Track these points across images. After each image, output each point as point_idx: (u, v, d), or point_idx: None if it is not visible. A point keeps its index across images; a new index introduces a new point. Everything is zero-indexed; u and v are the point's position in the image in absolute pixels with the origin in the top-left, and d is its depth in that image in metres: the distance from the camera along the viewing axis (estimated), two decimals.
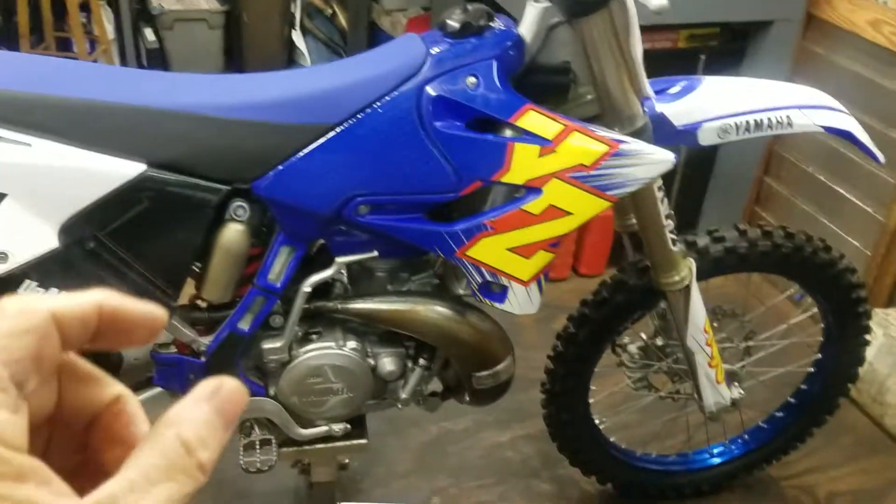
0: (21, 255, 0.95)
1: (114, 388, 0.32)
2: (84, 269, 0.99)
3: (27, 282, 0.96)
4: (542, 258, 1.09)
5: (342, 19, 3.37)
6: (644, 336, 1.56)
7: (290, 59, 3.47)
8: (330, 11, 3.40)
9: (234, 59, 3.42)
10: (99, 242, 0.99)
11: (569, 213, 1.05)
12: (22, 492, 0.24)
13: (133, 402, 0.32)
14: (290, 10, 3.34)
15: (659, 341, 1.54)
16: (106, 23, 3.03)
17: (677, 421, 1.71)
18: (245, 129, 1.01)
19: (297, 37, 3.40)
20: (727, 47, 2.27)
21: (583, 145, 1.02)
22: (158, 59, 3.18)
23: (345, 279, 1.23)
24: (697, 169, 2.42)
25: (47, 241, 0.96)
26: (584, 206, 1.05)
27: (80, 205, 0.96)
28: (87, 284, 0.91)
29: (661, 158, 1.04)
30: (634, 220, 1.39)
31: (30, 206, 0.94)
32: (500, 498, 1.74)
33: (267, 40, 3.33)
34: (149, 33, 3.17)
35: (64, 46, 3.10)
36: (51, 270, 0.97)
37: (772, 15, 2.15)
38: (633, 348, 1.55)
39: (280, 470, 1.32)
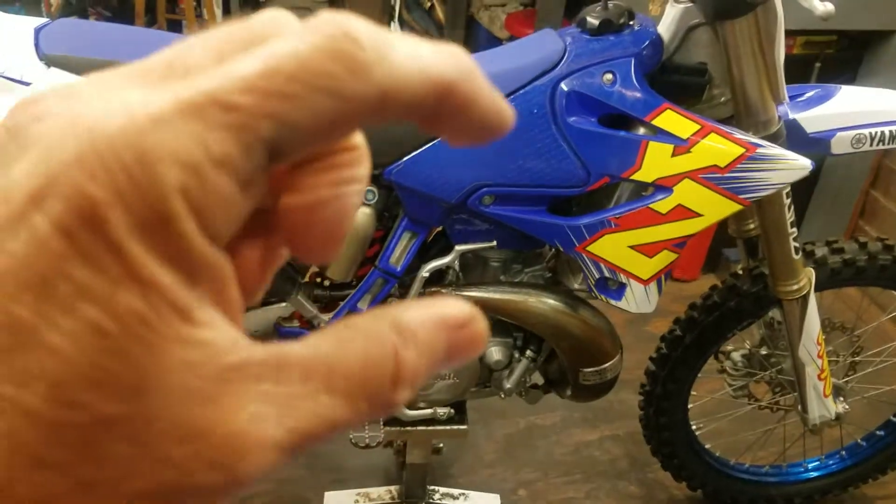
0: None
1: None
2: None
3: None
4: (665, 258, 1.09)
5: (440, 13, 3.40)
6: (748, 344, 1.54)
7: None
8: (429, 4, 3.44)
9: None
10: None
11: (698, 215, 1.05)
12: (175, 295, 0.16)
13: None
14: (390, 2, 3.39)
15: (763, 350, 1.51)
16: (215, 7, 3.13)
17: (773, 432, 1.68)
18: None
19: (395, 29, 3.45)
20: (843, 55, 2.20)
21: (718, 147, 1.02)
22: None
23: (457, 267, 1.25)
24: (802, 178, 2.36)
25: None
26: (715, 208, 1.04)
27: None
28: None
29: (799, 164, 1.03)
30: (752, 226, 1.38)
31: None
32: (588, 496, 1.74)
33: None
34: None
35: (174, 29, 3.22)
36: None
37: (894, 25, 2.08)
38: (736, 356, 1.53)
39: (373, 449, 1.35)
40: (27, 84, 0.93)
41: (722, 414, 1.64)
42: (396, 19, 3.44)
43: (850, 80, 2.27)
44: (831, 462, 1.67)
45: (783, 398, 1.55)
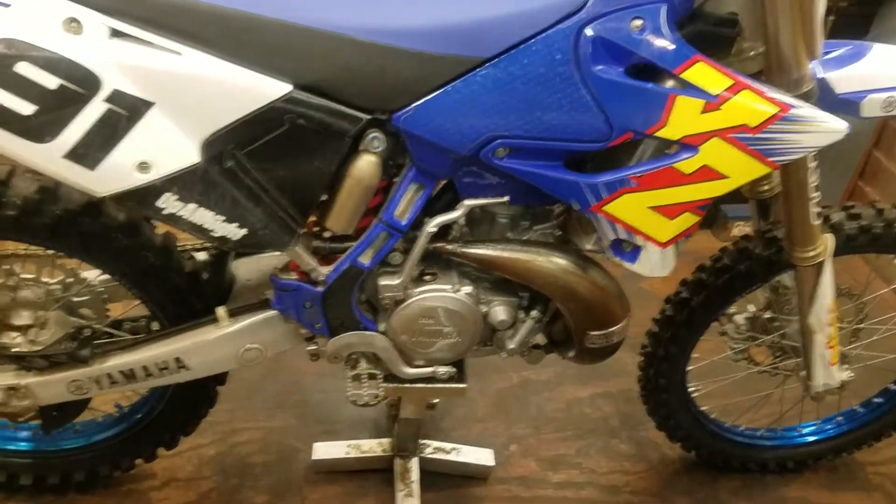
0: (164, 166, 0.93)
1: None
2: (220, 186, 0.96)
3: (167, 194, 0.94)
4: (685, 220, 1.04)
5: None
6: (752, 307, 1.50)
7: None
8: None
9: None
10: (237, 162, 0.97)
11: (724, 177, 0.99)
12: None
13: None
14: None
15: (767, 314, 1.48)
16: None
17: (769, 396, 1.66)
18: (393, 56, 0.96)
19: None
20: (857, 10, 2.13)
21: (751, 105, 0.95)
22: None
23: (462, 222, 1.19)
24: None
25: (189, 155, 0.93)
26: (742, 170, 0.99)
27: (225, 121, 0.93)
28: (222, 202, 0.88)
29: (834, 127, 0.97)
30: (767, 187, 1.33)
31: (176, 117, 0.91)
32: (579, 453, 1.73)
33: None
34: None
35: None
36: (190, 185, 0.95)
37: None
38: (739, 318, 1.50)
39: None
40: (5, 5, 0.85)
41: (720, 376, 1.62)
42: None
43: (861, 37, 2.21)
44: (828, 427, 1.67)
45: (783, 363, 1.53)
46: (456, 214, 1.09)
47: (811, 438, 1.67)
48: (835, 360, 1.37)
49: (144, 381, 1.22)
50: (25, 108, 0.86)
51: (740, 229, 2.44)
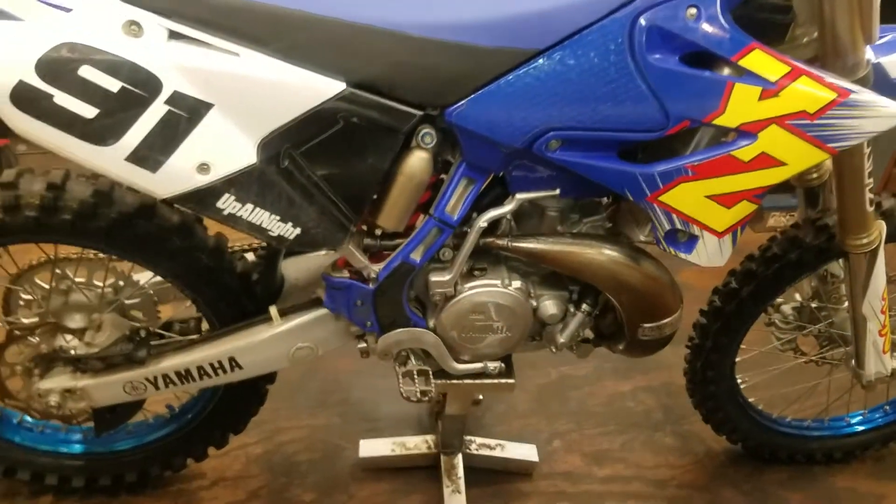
0: (223, 167, 0.93)
1: None
2: (276, 186, 0.97)
3: (226, 195, 0.95)
4: (743, 209, 1.03)
5: None
6: (798, 297, 1.49)
7: None
8: None
9: None
10: (293, 161, 0.97)
11: (782, 164, 0.98)
12: None
13: None
14: None
15: (815, 304, 1.47)
16: None
17: (816, 386, 1.65)
18: (446, 51, 0.96)
19: None
20: None
21: (809, 91, 0.94)
22: None
23: (510, 217, 1.19)
24: None
25: (247, 155, 0.94)
26: (801, 157, 0.98)
27: (281, 121, 0.93)
28: (278, 202, 0.88)
29: (893, 112, 0.96)
30: (815, 175, 1.32)
31: (234, 118, 0.92)
32: (623, 447, 1.72)
33: None
34: None
35: None
36: (247, 186, 0.95)
37: None
38: (787, 309, 1.49)
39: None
40: (67, 10, 0.85)
41: (766, 368, 1.61)
42: None
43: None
44: (875, 416, 1.65)
45: (830, 352, 1.52)
46: (508, 208, 1.09)
47: (859, 428, 1.65)
48: (887, 349, 1.36)
49: (199, 381, 1.23)
50: (88, 111, 0.87)
51: (776, 220, 2.43)
